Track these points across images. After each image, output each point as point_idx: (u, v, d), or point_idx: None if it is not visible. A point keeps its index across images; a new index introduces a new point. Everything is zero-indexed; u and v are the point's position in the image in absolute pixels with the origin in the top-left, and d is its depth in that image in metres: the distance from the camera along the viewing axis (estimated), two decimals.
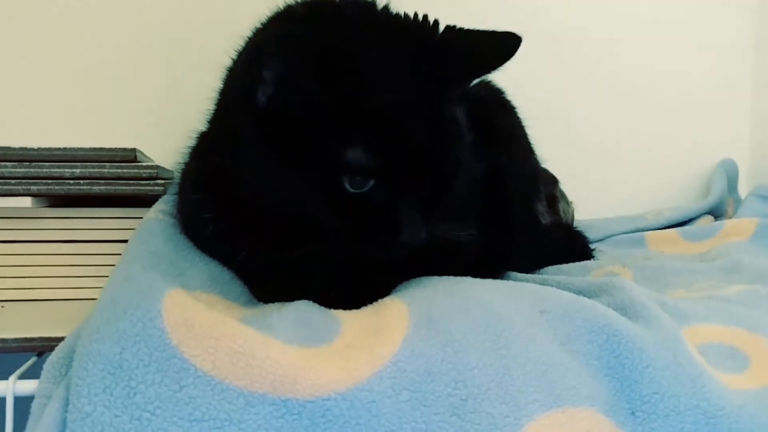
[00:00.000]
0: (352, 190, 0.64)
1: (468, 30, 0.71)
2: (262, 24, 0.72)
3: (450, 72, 0.69)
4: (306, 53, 0.63)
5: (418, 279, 0.72)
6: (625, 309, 0.65)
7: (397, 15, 0.72)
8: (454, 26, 0.71)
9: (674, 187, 1.69)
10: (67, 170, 0.84)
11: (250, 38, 0.72)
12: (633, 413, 0.57)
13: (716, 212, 1.53)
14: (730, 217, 1.49)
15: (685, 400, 0.56)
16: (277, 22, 0.70)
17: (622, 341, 0.59)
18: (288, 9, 0.71)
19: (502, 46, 0.70)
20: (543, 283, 0.74)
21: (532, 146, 1.04)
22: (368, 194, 0.64)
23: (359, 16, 0.69)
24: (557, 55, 1.57)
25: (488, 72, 0.72)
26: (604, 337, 0.60)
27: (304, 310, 0.63)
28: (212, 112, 0.77)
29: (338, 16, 0.68)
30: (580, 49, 1.61)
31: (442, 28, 0.71)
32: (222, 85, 0.75)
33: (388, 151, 0.64)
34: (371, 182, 0.64)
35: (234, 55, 0.74)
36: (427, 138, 0.65)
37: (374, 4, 0.72)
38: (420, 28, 0.71)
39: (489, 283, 0.70)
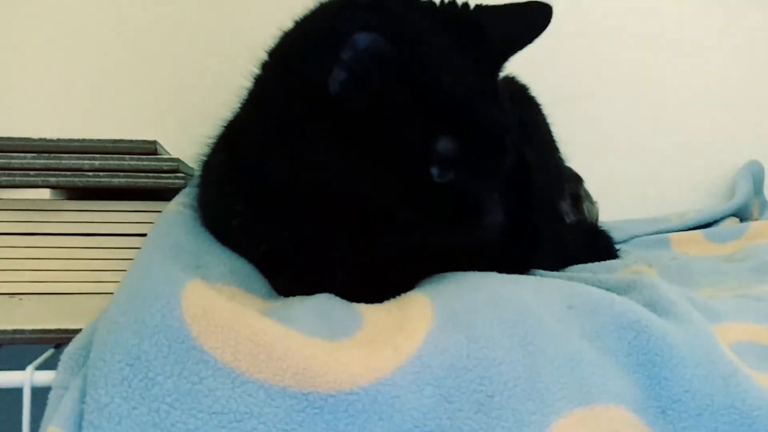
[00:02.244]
0: (438, 180, 0.64)
1: (497, 6, 0.71)
2: (310, 12, 0.71)
3: (493, 50, 0.69)
4: (386, 37, 0.62)
5: (441, 274, 0.70)
6: (654, 306, 0.63)
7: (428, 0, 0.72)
8: (481, 5, 0.71)
9: (699, 190, 1.66)
10: (86, 162, 0.83)
11: (301, 24, 0.71)
12: (663, 412, 0.55)
13: (741, 214, 1.50)
14: (756, 220, 1.46)
15: (718, 399, 0.54)
16: (338, 8, 0.68)
17: (651, 338, 0.57)
18: None
19: (536, 17, 0.71)
20: (570, 280, 0.72)
21: (557, 144, 1.02)
22: (451, 181, 0.64)
23: (407, 5, 0.69)
24: (582, 54, 1.55)
25: (526, 45, 0.72)
26: (633, 334, 0.58)
27: (325, 302, 0.62)
28: (246, 100, 0.76)
29: (393, 5, 0.67)
30: (606, 49, 1.59)
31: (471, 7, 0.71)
32: (261, 72, 0.74)
33: (471, 137, 0.64)
34: (454, 170, 0.64)
35: (268, 46, 0.73)
36: (498, 118, 0.66)
37: None
38: (455, 10, 0.71)
39: (515, 278, 0.68)
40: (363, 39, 0.61)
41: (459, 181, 0.64)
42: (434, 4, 0.72)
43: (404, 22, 0.65)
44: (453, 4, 0.71)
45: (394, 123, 0.63)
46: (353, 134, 0.64)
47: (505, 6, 0.71)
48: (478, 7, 0.71)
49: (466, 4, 0.71)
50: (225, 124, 0.79)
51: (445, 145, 0.63)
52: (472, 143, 0.64)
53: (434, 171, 0.63)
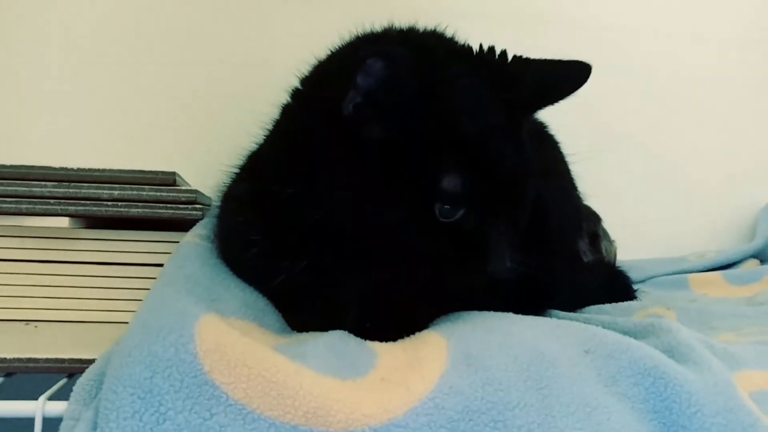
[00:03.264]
0: (442, 219, 0.64)
1: (536, 59, 0.72)
2: (345, 43, 0.73)
3: (524, 100, 0.69)
4: (406, 68, 0.63)
5: (457, 313, 0.70)
6: (672, 351, 0.62)
7: (467, 45, 0.73)
8: (521, 56, 0.72)
9: (718, 229, 1.64)
10: (105, 192, 0.84)
11: (334, 53, 0.73)
12: None
13: (762, 256, 1.48)
14: None
15: None
16: (371, 41, 0.71)
17: (669, 384, 0.56)
18: (383, 32, 0.73)
19: (573, 74, 0.71)
20: (586, 322, 0.71)
21: (575, 182, 1.02)
22: (458, 222, 0.64)
23: (441, 45, 0.71)
24: (600, 90, 1.55)
25: (560, 99, 0.72)
26: (650, 380, 0.57)
27: (339, 340, 0.62)
28: (272, 129, 0.77)
29: (425, 43, 0.70)
30: (625, 85, 1.58)
31: (510, 57, 0.72)
32: (290, 101, 0.75)
33: (481, 179, 0.64)
34: (462, 209, 0.64)
35: (300, 74, 0.75)
36: (515, 164, 0.66)
37: (446, 35, 0.74)
38: (492, 57, 0.72)
39: (531, 320, 0.68)
40: (374, 65, 0.62)
41: (466, 221, 0.64)
42: (471, 48, 0.73)
43: (431, 57, 0.66)
44: (491, 51, 0.72)
45: (404, 154, 0.64)
46: (365, 162, 0.65)
47: (544, 60, 0.72)
48: (516, 56, 0.72)
49: (504, 52, 0.72)
50: (248, 154, 0.80)
51: (451, 182, 0.63)
52: (483, 185, 0.64)
53: (439, 207, 0.63)
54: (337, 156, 0.65)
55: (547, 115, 0.95)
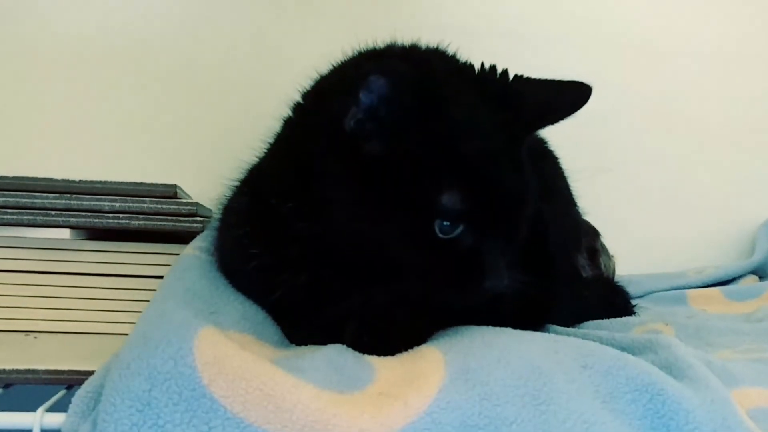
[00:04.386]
0: (441, 236, 0.64)
1: (536, 79, 0.72)
2: (348, 59, 0.74)
3: (525, 119, 0.70)
4: (408, 85, 0.63)
5: (455, 328, 0.70)
6: (670, 368, 0.62)
7: (469, 63, 0.73)
8: (522, 75, 0.72)
9: (717, 245, 1.64)
10: (106, 204, 0.85)
11: (336, 68, 0.74)
12: None
13: (761, 272, 1.48)
14: None
15: None
16: (373, 57, 0.71)
17: (667, 401, 0.56)
18: (386, 48, 0.73)
19: (573, 94, 0.72)
20: (584, 337, 0.71)
21: (574, 198, 1.02)
22: (456, 239, 0.64)
23: (443, 63, 0.71)
24: (601, 105, 1.55)
25: (560, 120, 0.73)
26: (648, 396, 0.57)
27: (337, 354, 0.62)
28: (273, 143, 0.77)
29: (427, 61, 0.70)
30: (625, 101, 1.59)
31: (511, 76, 0.72)
32: (291, 115, 0.75)
33: (480, 197, 0.64)
34: (460, 227, 0.64)
35: (302, 88, 0.75)
36: (514, 183, 0.66)
37: (448, 53, 0.74)
38: (493, 76, 0.72)
39: (529, 335, 0.68)
40: (377, 81, 0.62)
41: (465, 238, 0.65)
42: (473, 66, 0.73)
43: (433, 75, 0.67)
44: (493, 69, 0.73)
45: (405, 170, 0.64)
46: (365, 176, 0.65)
47: (544, 80, 0.73)
48: (517, 76, 0.72)
49: (505, 71, 0.72)
50: (249, 168, 0.80)
51: (449, 199, 0.63)
52: (481, 204, 0.64)
53: (437, 224, 0.64)
54: (338, 171, 0.66)
55: (548, 131, 0.96)
